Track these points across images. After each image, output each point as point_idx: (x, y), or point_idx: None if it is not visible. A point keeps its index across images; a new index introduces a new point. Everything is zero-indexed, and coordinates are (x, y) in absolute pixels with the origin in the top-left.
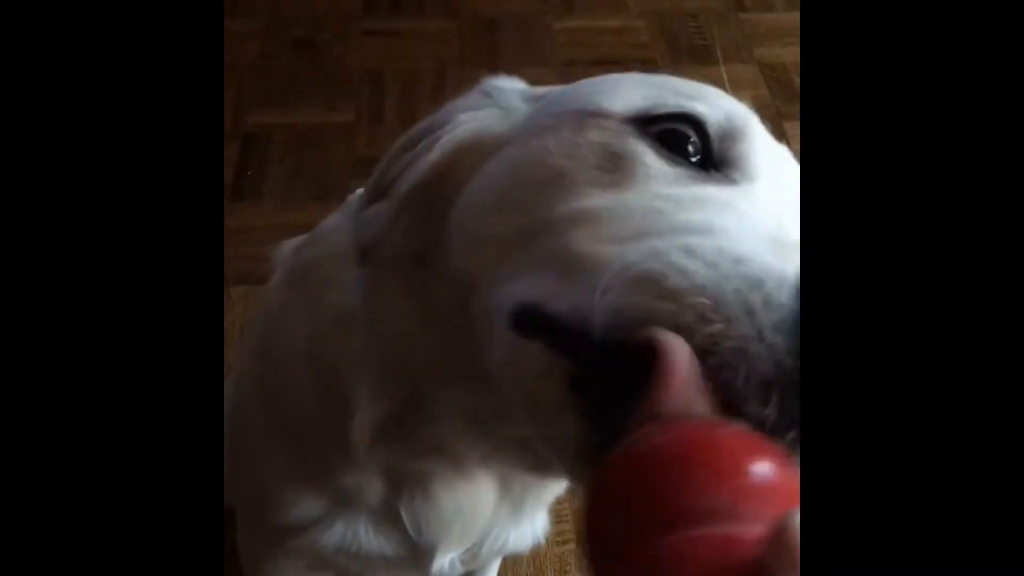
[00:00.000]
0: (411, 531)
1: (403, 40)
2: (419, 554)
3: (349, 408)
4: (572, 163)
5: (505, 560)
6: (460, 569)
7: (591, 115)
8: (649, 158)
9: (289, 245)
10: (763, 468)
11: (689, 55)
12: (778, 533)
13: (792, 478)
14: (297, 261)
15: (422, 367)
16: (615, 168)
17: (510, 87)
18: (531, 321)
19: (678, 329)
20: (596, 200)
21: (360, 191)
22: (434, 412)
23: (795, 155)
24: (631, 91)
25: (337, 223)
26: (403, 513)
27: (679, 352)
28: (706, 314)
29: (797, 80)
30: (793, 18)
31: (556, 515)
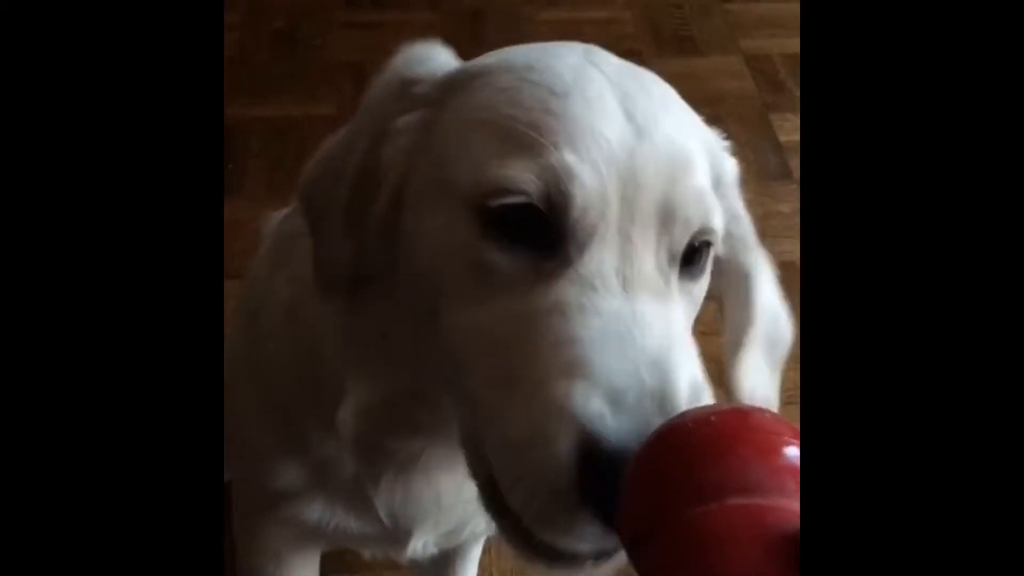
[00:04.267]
0: (385, 519)
1: (385, 32)
2: (395, 536)
3: (326, 380)
4: (449, 267)
5: (489, 553)
6: (434, 550)
7: (452, 197)
8: (496, 257)
9: (276, 216)
10: (799, 447)
11: (674, 46)
12: None
13: None
14: (282, 230)
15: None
16: (476, 276)
17: (426, 73)
18: None
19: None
20: (469, 318)
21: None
22: (432, 398)
23: (781, 144)
24: (481, 154)
25: None
26: (376, 502)
27: None
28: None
29: (782, 71)
30: (778, 9)
31: None
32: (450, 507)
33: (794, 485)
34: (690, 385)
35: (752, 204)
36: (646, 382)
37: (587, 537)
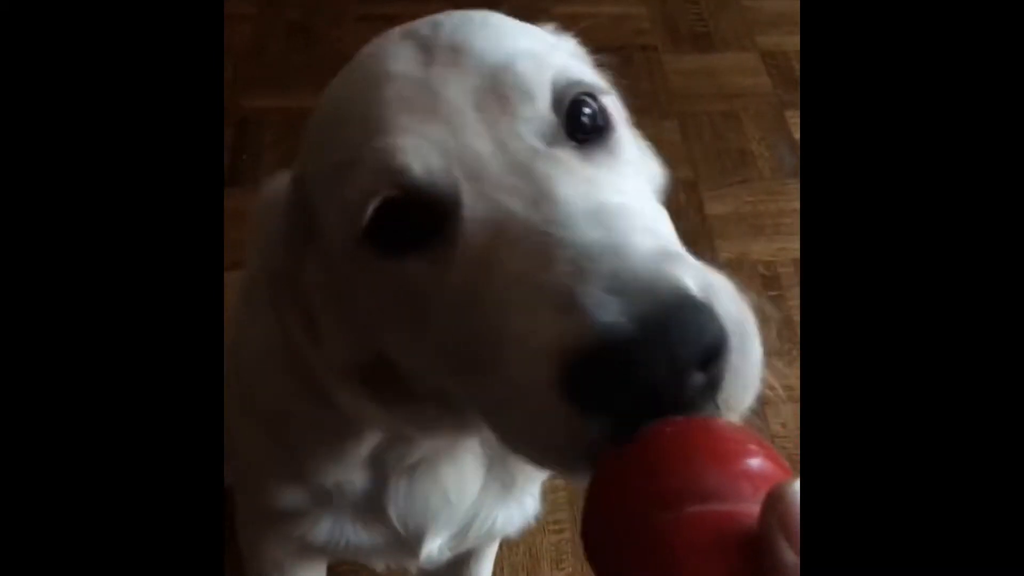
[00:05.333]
0: (398, 526)
1: (399, 24)
2: (407, 542)
3: (322, 419)
4: (383, 309)
5: (501, 549)
6: (448, 554)
7: (348, 258)
8: (402, 266)
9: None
10: (756, 455)
11: (690, 42)
12: (775, 501)
13: (781, 465)
14: (250, 270)
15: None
16: (404, 300)
17: (279, 217)
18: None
19: None
20: (427, 339)
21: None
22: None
23: (797, 141)
24: (338, 199)
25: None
26: (389, 510)
27: None
28: None
29: (798, 69)
30: (794, 6)
31: (552, 504)
32: (458, 501)
33: (751, 490)
34: (654, 245)
35: (766, 201)
36: (594, 265)
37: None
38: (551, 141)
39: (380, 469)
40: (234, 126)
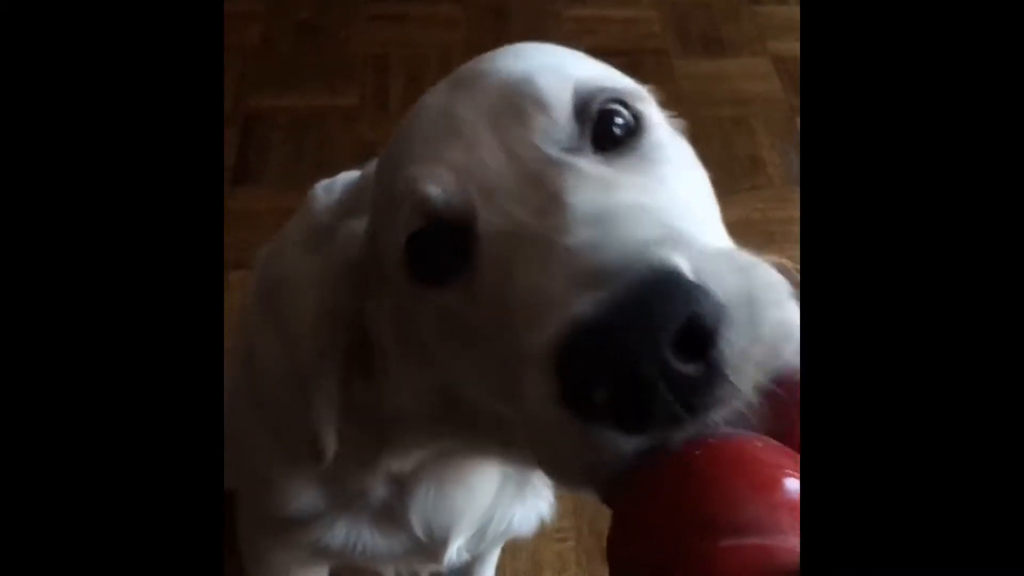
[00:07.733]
0: (420, 534)
1: (409, 25)
2: (429, 548)
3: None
4: (437, 339)
5: (503, 556)
6: (466, 556)
7: (401, 282)
8: (445, 294)
9: (263, 252)
10: (795, 477)
11: (701, 47)
12: None
13: None
14: (265, 273)
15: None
16: (449, 330)
17: (325, 208)
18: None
19: None
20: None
21: (321, 184)
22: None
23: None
24: (391, 222)
25: (299, 230)
26: (412, 518)
27: None
28: None
29: None
30: None
31: (556, 512)
32: (479, 501)
33: (791, 520)
34: (652, 234)
35: (775, 208)
36: (579, 265)
37: (611, 441)
38: (571, 149)
39: (403, 480)
40: (241, 125)
